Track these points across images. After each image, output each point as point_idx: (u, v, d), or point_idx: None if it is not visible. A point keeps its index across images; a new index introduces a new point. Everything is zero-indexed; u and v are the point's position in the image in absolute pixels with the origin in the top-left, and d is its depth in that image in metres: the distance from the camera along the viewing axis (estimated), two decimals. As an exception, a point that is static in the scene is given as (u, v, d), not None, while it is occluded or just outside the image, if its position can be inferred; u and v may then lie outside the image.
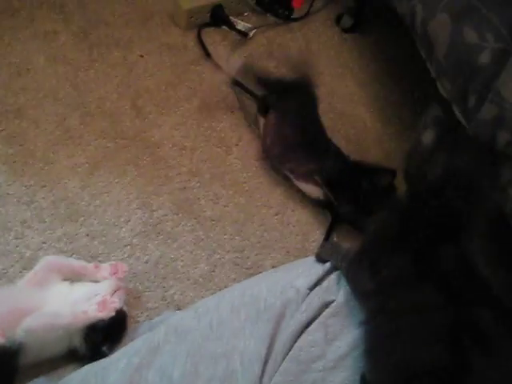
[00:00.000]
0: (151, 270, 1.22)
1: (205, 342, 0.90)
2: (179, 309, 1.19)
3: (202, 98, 1.55)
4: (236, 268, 1.27)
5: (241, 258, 1.29)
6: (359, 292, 0.90)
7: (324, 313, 0.87)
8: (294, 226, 1.38)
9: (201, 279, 1.24)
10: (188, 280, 1.23)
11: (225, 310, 0.93)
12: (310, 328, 0.86)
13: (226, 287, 1.23)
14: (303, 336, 0.86)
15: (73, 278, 1.12)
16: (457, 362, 0.77)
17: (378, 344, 0.84)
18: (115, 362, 0.94)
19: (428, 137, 0.93)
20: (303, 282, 0.91)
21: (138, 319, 1.15)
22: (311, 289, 0.90)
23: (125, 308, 1.10)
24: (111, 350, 1.06)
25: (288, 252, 1.33)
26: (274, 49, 1.73)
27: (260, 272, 1.26)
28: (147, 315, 1.17)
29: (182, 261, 1.25)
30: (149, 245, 1.25)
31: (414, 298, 0.83)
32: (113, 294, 1.08)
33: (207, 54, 1.63)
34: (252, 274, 1.25)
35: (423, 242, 0.85)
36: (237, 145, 1.48)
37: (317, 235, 1.38)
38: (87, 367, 0.97)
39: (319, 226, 1.38)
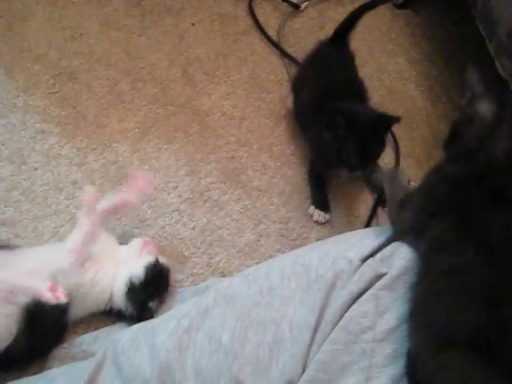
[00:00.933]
0: (197, 237, 1.23)
1: (254, 308, 0.90)
2: (224, 276, 1.20)
3: (252, 69, 1.54)
4: (281, 239, 1.28)
5: (286, 230, 1.29)
6: None
7: (376, 284, 0.87)
8: (339, 200, 1.37)
9: (246, 248, 1.24)
10: (233, 248, 1.24)
11: (275, 277, 0.93)
12: (361, 299, 0.86)
13: (270, 257, 1.23)
14: (354, 306, 0.86)
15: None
16: (496, 326, 0.76)
17: (420, 307, 0.84)
18: (164, 322, 0.95)
19: (485, 108, 0.90)
20: (356, 254, 0.91)
21: (183, 284, 1.17)
22: (363, 260, 0.90)
23: (166, 264, 1.12)
24: (158, 306, 1.07)
25: (333, 226, 1.33)
26: (325, 22, 1.70)
27: (305, 244, 1.26)
28: (192, 280, 1.18)
29: (227, 229, 1.26)
30: (196, 212, 1.26)
31: (456, 261, 0.82)
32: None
33: (258, 25, 1.61)
34: (297, 246, 1.25)
35: (471, 211, 0.84)
36: (285, 117, 1.47)
37: (361, 211, 1.37)
38: (137, 326, 0.99)
39: (364, 202, 1.37)
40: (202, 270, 1.19)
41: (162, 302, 1.10)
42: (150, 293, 1.09)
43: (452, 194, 0.87)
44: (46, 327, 1.02)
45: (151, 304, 1.08)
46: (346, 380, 0.82)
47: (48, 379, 0.96)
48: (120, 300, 1.08)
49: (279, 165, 1.39)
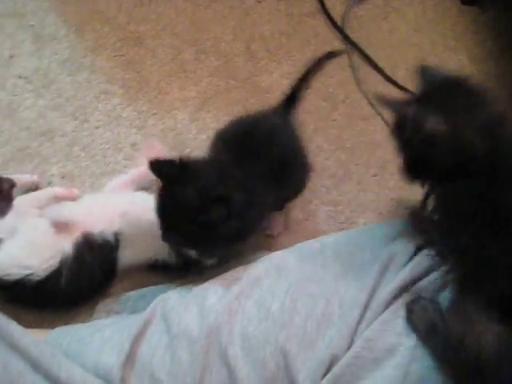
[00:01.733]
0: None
1: (306, 282, 0.92)
2: (270, 251, 1.21)
3: (313, 51, 1.54)
4: (329, 220, 1.29)
5: (335, 212, 1.30)
6: None
7: (431, 275, 0.87)
8: (389, 190, 1.38)
9: (294, 226, 1.26)
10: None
11: (329, 254, 0.95)
12: (415, 286, 0.87)
13: (316, 237, 1.24)
14: (405, 294, 0.87)
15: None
16: None
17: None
18: (214, 287, 0.97)
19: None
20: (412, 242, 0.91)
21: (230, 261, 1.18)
22: (420, 248, 0.90)
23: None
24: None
25: (381, 213, 1.33)
26: (389, 12, 1.69)
27: (352, 228, 1.27)
28: (237, 257, 1.19)
29: (278, 206, 1.27)
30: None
31: None
32: None
33: (323, 8, 1.62)
34: (344, 229, 1.26)
35: None
36: (343, 102, 1.48)
37: (411, 202, 1.37)
38: (186, 287, 1.01)
39: (414, 193, 1.37)
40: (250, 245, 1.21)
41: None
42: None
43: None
44: (95, 267, 1.06)
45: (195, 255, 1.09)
46: (390, 359, 0.83)
47: (96, 328, 0.99)
48: (165, 250, 1.10)
49: (333, 148, 1.40)
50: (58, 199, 1.10)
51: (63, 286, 1.03)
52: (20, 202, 1.08)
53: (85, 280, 1.05)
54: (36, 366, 0.83)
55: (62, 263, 1.03)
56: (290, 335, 0.88)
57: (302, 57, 1.52)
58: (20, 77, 1.29)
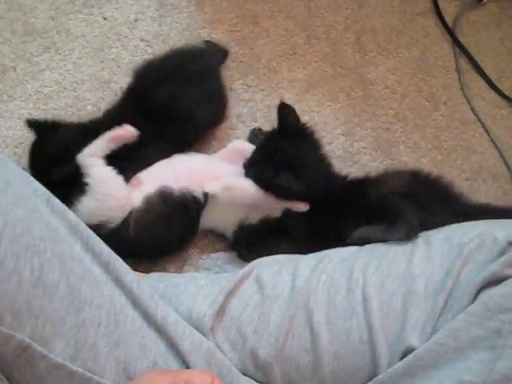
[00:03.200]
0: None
1: (394, 262, 0.94)
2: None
3: (421, 51, 1.56)
4: (419, 216, 1.30)
5: (426, 208, 1.31)
6: None
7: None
8: (481, 195, 1.38)
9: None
10: (372, 212, 1.27)
11: (419, 238, 0.97)
12: (507, 281, 0.87)
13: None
14: (498, 286, 0.87)
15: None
16: None
17: None
18: (306, 259, 1.01)
19: None
20: (504, 235, 0.90)
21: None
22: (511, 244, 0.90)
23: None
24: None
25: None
26: (504, 20, 1.68)
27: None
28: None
29: (370, 193, 1.30)
30: (344, 170, 1.31)
31: None
32: None
33: (436, 9, 1.62)
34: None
35: None
36: (445, 104, 1.49)
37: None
38: (279, 256, 1.05)
39: (508, 201, 1.37)
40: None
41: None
42: None
43: None
44: (172, 221, 1.10)
45: None
46: (474, 352, 0.83)
47: (190, 277, 1.04)
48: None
49: (430, 147, 1.41)
50: (116, 141, 1.08)
51: (131, 235, 1.07)
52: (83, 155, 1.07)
53: (157, 232, 1.09)
54: (136, 303, 0.87)
55: (132, 214, 1.07)
56: (375, 309, 0.90)
57: (410, 55, 1.54)
58: (142, 39, 1.37)
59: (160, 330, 0.87)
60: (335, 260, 0.99)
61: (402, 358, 0.87)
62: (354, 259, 0.98)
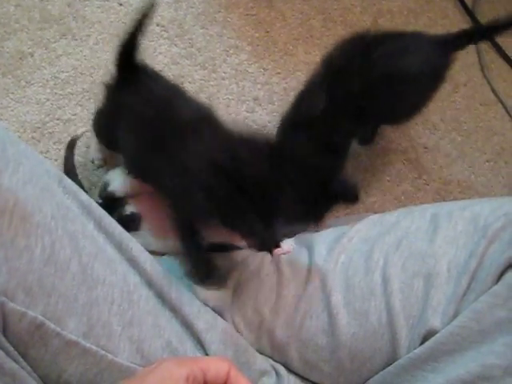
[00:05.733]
0: (360, 174, 1.27)
1: (416, 242, 0.92)
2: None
3: (440, 32, 1.52)
4: (437, 198, 1.29)
5: (444, 191, 1.30)
6: None
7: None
8: (502, 177, 1.36)
9: (402, 196, 1.27)
10: (390, 194, 1.27)
11: (442, 218, 0.94)
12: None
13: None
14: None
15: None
16: None
17: None
18: (324, 236, 1.00)
19: None
20: None
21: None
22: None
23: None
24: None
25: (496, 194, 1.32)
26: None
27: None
28: (345, 213, 1.22)
29: (388, 175, 1.30)
30: (362, 152, 1.30)
31: None
32: None
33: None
34: (451, 209, 1.26)
35: None
36: (465, 85, 1.46)
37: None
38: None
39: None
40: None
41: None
42: None
43: None
44: None
45: None
46: (498, 335, 0.79)
47: None
48: None
49: (449, 129, 1.39)
50: None
51: None
52: None
53: None
54: (150, 282, 0.87)
55: None
56: (396, 290, 0.88)
57: (429, 36, 1.51)
58: (157, 24, 1.37)
59: (174, 309, 0.87)
60: (354, 240, 0.97)
61: (422, 341, 0.84)
62: (374, 239, 0.95)
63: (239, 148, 0.83)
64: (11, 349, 0.72)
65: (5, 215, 0.72)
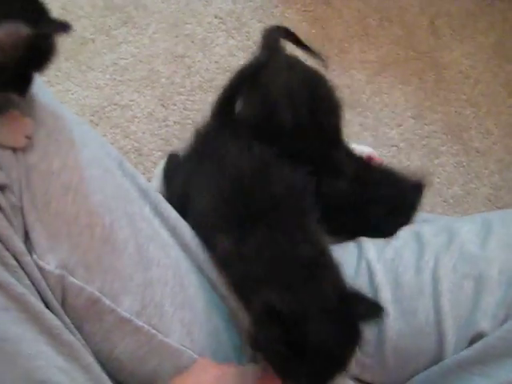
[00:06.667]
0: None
1: (468, 245, 0.91)
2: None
3: (499, 36, 1.52)
4: (487, 203, 1.28)
5: (495, 196, 1.29)
6: None
7: None
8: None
9: (451, 200, 1.27)
10: (440, 197, 1.27)
11: (495, 223, 0.93)
12: None
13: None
14: None
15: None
16: None
17: None
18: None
19: None
20: None
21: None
22: None
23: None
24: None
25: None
26: None
27: (510, 216, 1.25)
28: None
29: (438, 178, 1.29)
30: (412, 153, 1.30)
31: None
32: None
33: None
34: (501, 215, 1.24)
35: None
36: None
37: None
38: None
39: None
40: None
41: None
42: None
43: None
44: None
45: None
46: None
47: None
48: None
49: (503, 134, 1.38)
50: None
51: None
52: None
53: None
54: (201, 268, 0.87)
55: None
56: (445, 290, 0.88)
57: (486, 40, 1.51)
58: (216, 17, 1.39)
59: (224, 297, 0.88)
60: (404, 237, 0.97)
61: (470, 343, 0.84)
62: (424, 238, 0.95)
63: None
64: (68, 321, 0.74)
65: (69, 192, 0.74)
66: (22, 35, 0.61)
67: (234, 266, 0.83)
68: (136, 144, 1.21)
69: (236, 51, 1.35)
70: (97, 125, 1.21)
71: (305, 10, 1.45)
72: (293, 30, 1.35)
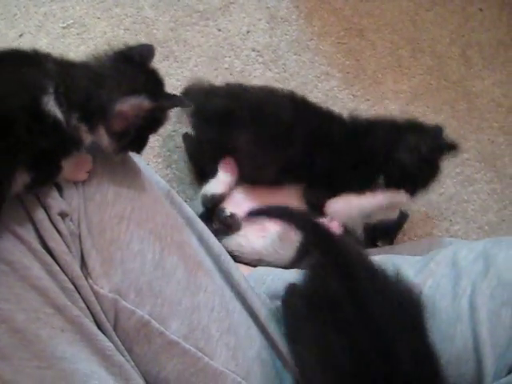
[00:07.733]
0: (443, 203, 1.30)
1: (505, 270, 0.92)
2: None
3: (530, 66, 1.54)
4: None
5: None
6: None
7: None
8: None
9: (486, 227, 1.28)
10: (474, 223, 1.28)
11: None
12: None
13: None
14: None
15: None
16: None
17: None
18: (411, 260, 1.02)
19: None
20: None
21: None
22: None
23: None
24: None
25: None
26: None
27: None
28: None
29: (473, 205, 1.31)
30: (447, 180, 1.32)
31: None
32: None
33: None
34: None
35: None
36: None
37: None
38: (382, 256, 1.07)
39: None
40: (440, 233, 1.25)
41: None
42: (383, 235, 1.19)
43: None
44: None
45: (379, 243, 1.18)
46: None
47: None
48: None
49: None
50: None
51: None
52: None
53: None
54: (242, 297, 0.91)
55: None
56: (483, 318, 0.88)
57: (518, 69, 1.53)
58: (253, 50, 1.44)
59: (263, 329, 0.91)
60: (442, 265, 0.98)
61: (509, 372, 0.84)
62: (462, 266, 0.96)
63: None
64: (119, 343, 0.78)
65: (123, 221, 0.79)
66: (144, 108, 0.72)
67: None
68: (178, 173, 1.26)
69: (273, 83, 1.40)
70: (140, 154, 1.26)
71: (339, 42, 1.49)
72: (327, 61, 1.41)
